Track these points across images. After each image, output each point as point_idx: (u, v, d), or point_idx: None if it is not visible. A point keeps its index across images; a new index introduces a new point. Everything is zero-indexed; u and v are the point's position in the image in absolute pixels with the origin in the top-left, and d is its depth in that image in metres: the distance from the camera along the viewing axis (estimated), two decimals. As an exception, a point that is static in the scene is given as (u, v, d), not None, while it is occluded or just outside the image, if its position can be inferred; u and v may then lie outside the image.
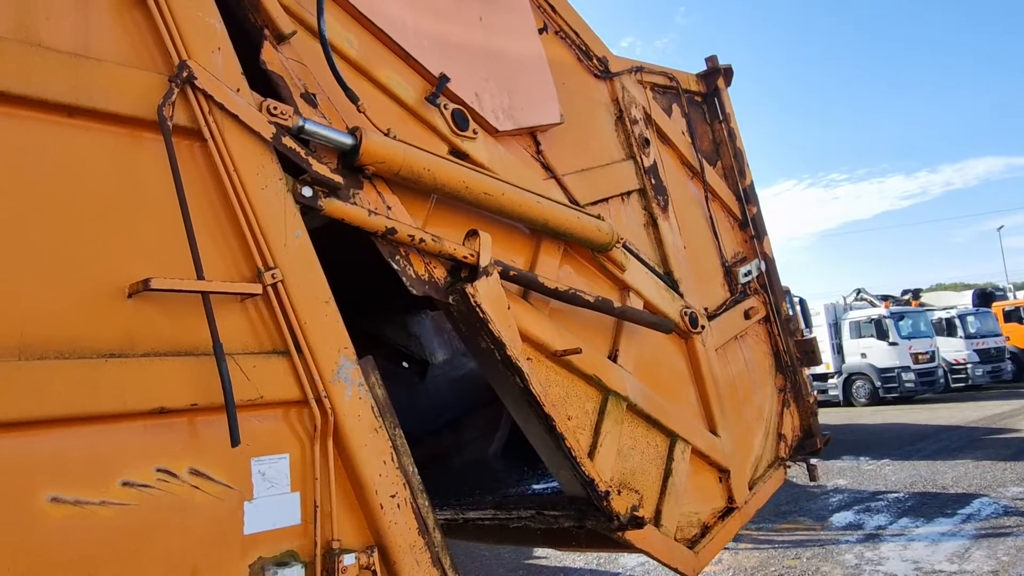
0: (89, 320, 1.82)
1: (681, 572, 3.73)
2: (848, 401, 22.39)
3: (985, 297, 28.38)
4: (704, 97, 5.20)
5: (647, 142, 4.26)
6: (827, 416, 17.53)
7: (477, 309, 2.73)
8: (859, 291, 25.94)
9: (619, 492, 3.24)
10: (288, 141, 2.29)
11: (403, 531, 2.28)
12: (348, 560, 2.12)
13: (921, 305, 26.14)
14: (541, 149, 3.52)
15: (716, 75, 5.22)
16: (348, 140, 2.45)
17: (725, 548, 4.56)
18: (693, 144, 4.85)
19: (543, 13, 3.77)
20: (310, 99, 2.48)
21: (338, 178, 2.42)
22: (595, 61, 4.07)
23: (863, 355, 22.06)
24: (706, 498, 4.07)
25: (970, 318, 24.56)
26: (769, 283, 5.16)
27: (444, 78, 2.94)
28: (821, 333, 21.84)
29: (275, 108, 2.28)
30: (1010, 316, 25.93)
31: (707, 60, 5.29)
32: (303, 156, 2.33)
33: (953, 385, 23.34)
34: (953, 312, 24.89)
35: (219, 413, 1.92)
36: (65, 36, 1.91)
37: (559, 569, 7.74)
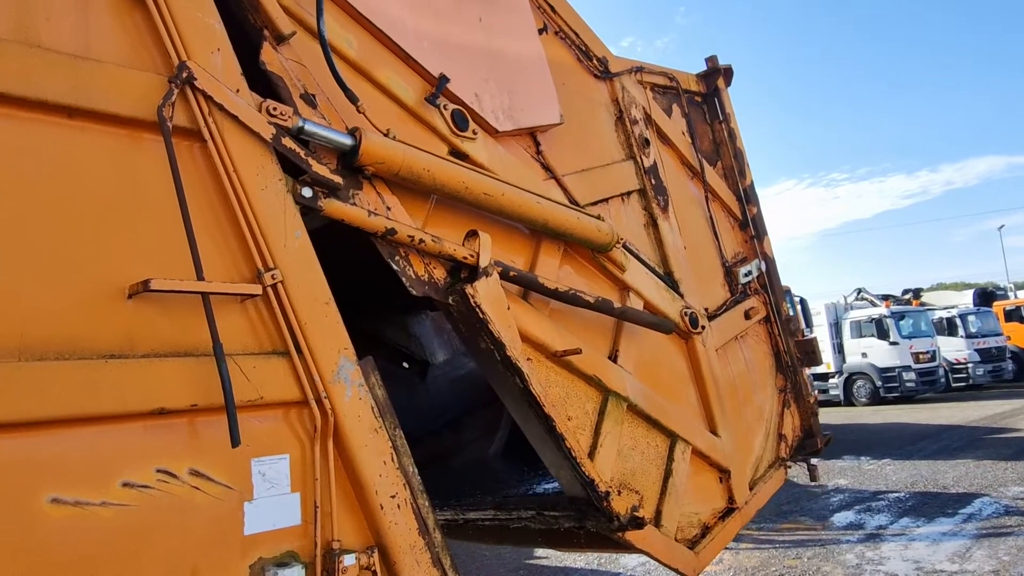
0: (89, 321, 1.82)
1: (681, 572, 3.73)
2: (849, 401, 22.39)
3: (986, 296, 28.37)
4: (704, 97, 5.20)
5: (647, 142, 4.26)
6: (828, 415, 17.54)
7: (477, 310, 2.73)
8: (860, 290, 25.94)
9: (619, 492, 3.24)
10: (288, 142, 2.29)
11: (403, 531, 2.28)
12: (348, 560, 2.12)
13: (922, 304, 26.15)
14: (541, 149, 3.52)
15: (716, 75, 5.21)
16: (348, 141, 2.45)
17: (726, 548, 4.56)
18: (693, 144, 4.85)
19: (543, 13, 3.77)
20: (310, 100, 2.48)
21: (338, 179, 2.42)
22: (595, 61, 4.07)
23: (864, 355, 22.05)
24: (706, 498, 4.07)
25: (971, 317, 24.56)
26: (769, 283, 5.16)
27: (444, 79, 2.94)
28: (822, 333, 21.85)
29: (275, 109, 2.28)
30: (1011, 315, 25.91)
31: (707, 60, 5.28)
32: (303, 157, 2.33)
33: (954, 385, 23.34)
34: (954, 311, 24.88)
35: (219, 414, 1.93)
36: (65, 37, 1.91)
37: (560, 569, 7.74)
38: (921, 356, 21.67)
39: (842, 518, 9.16)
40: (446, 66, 2.97)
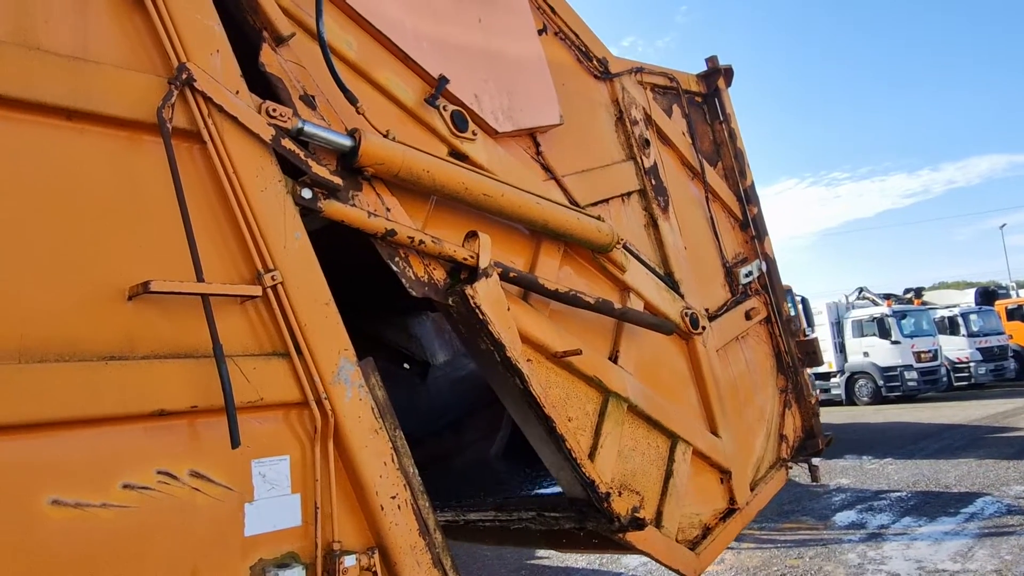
0: (89, 322, 1.82)
1: (682, 573, 3.72)
2: (851, 400, 22.38)
3: (988, 295, 28.34)
4: (704, 97, 5.20)
5: (647, 143, 4.26)
6: (829, 415, 17.54)
7: (477, 311, 2.73)
8: (861, 290, 25.91)
9: (620, 493, 3.24)
10: (287, 143, 2.29)
11: (404, 532, 2.28)
12: (349, 561, 2.12)
13: (924, 303, 26.14)
14: (541, 150, 3.52)
15: (716, 75, 5.21)
16: (347, 142, 2.45)
17: (727, 548, 4.56)
18: (693, 145, 4.84)
19: (542, 14, 3.77)
20: (309, 101, 2.48)
21: (337, 180, 2.42)
22: (595, 62, 4.07)
23: (866, 354, 22.04)
24: (707, 499, 4.06)
25: (973, 316, 24.54)
26: (770, 283, 5.16)
27: (443, 79, 2.94)
28: (823, 332, 21.84)
29: (274, 110, 2.28)
30: (1013, 314, 25.89)
31: (707, 60, 5.28)
32: (302, 158, 2.33)
33: (956, 384, 23.33)
34: (956, 310, 24.86)
35: (219, 415, 1.93)
36: (64, 39, 1.91)
37: (561, 569, 7.74)
38: (923, 355, 21.65)
39: (844, 518, 9.16)
40: (445, 67, 2.97)
